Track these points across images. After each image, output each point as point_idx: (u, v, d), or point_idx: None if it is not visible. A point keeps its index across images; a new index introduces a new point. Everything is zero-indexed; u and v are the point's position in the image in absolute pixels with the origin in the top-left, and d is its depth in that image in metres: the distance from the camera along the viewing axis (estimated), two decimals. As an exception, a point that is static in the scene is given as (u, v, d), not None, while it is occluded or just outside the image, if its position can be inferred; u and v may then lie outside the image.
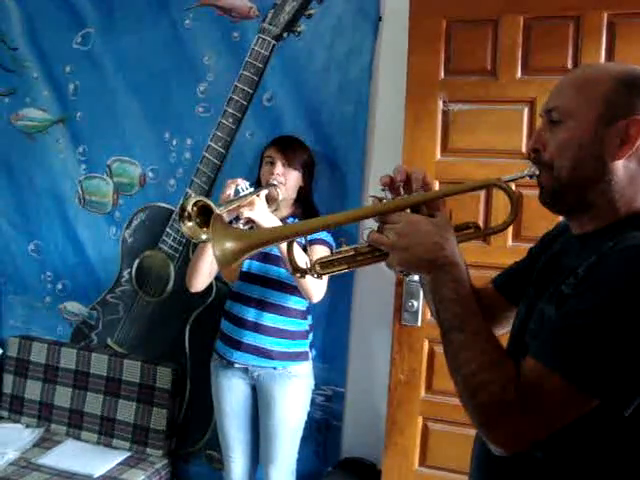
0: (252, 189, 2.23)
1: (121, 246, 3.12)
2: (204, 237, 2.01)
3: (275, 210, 2.36)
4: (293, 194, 2.48)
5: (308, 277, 1.31)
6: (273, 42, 2.76)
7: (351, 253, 1.26)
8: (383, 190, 1.24)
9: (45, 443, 2.98)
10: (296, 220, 2.47)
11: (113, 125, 3.07)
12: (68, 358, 3.10)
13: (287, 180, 2.42)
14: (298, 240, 1.47)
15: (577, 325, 0.99)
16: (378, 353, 2.68)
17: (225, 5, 2.85)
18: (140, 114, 3.02)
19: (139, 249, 3.09)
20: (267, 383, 2.47)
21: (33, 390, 3.13)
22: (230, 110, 2.83)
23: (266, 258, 2.38)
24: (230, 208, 2.14)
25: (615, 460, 1.05)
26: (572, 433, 1.03)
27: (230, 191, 2.20)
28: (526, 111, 2.28)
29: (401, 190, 1.23)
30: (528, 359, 1.03)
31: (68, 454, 2.89)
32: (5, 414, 3.18)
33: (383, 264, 1.20)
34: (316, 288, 2.29)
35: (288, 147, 2.46)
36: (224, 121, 2.85)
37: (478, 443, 1.25)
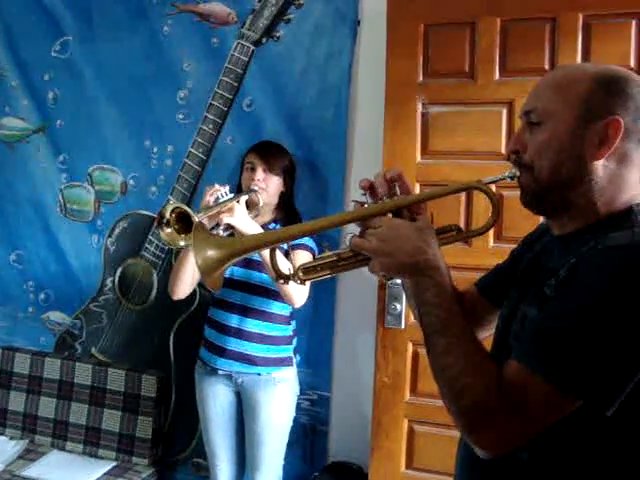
0: (232, 195, 2.22)
1: (103, 254, 3.10)
2: (182, 243, 2.01)
3: (256, 216, 2.35)
4: (274, 199, 2.47)
5: (291, 282, 1.30)
6: (252, 47, 2.76)
7: (334, 258, 1.26)
8: (364, 194, 1.23)
9: (30, 455, 2.94)
10: (278, 226, 2.47)
11: (93, 133, 3.06)
12: (52, 368, 3.07)
13: (268, 185, 2.42)
14: (280, 246, 1.47)
15: (558, 327, 0.99)
16: (362, 356, 2.68)
17: (204, 11, 2.84)
18: (120, 122, 3.01)
19: (121, 257, 3.07)
20: (251, 389, 2.46)
21: (17, 401, 3.10)
22: (210, 116, 2.83)
23: (248, 264, 2.38)
24: (209, 214, 2.13)
25: (599, 460, 1.05)
26: (556, 434, 1.03)
27: (210, 198, 2.20)
28: (505, 112, 2.30)
29: (382, 195, 1.22)
30: (511, 361, 1.03)
31: (53, 465, 2.86)
32: (-11, 426, 3.15)
33: (366, 268, 1.20)
34: (298, 293, 2.28)
35: (268, 152, 2.46)
36: (204, 127, 2.84)
37: (463, 445, 1.24)
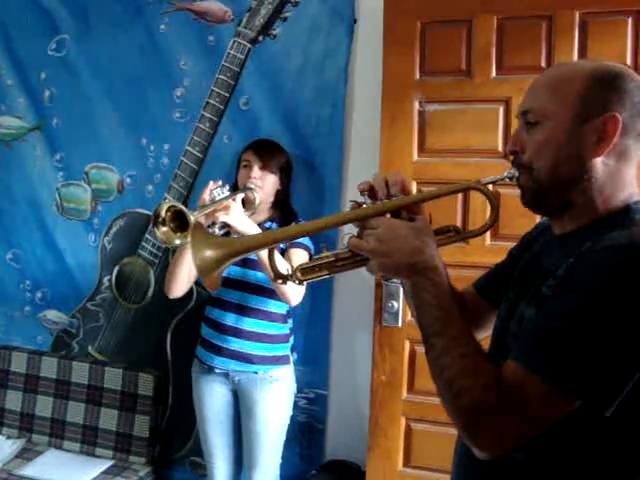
0: (228, 193, 2.22)
1: (100, 253, 3.09)
2: (178, 242, 2.01)
3: (252, 214, 2.35)
4: (270, 197, 2.47)
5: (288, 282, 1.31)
6: (249, 45, 2.76)
7: (332, 259, 1.26)
8: (362, 195, 1.23)
9: (27, 454, 2.94)
10: (274, 225, 2.47)
11: (90, 132, 3.05)
12: (49, 367, 3.06)
13: (264, 183, 2.41)
14: (278, 245, 1.46)
15: (556, 327, 0.99)
16: (360, 355, 2.68)
17: (200, 9, 2.84)
18: (117, 120, 3.00)
19: (118, 256, 3.06)
20: (248, 388, 2.46)
21: (14, 400, 3.09)
22: (207, 114, 2.83)
23: (245, 263, 2.37)
24: (205, 212, 2.13)
25: (596, 461, 1.05)
26: (553, 434, 1.03)
27: (206, 196, 2.19)
28: (501, 110, 2.30)
29: (381, 195, 1.22)
30: (509, 362, 1.03)
31: (50, 464, 2.85)
32: (-14, 426, 3.15)
33: (364, 268, 1.20)
34: (294, 292, 2.28)
35: (265, 150, 2.45)
36: (201, 125, 2.84)
37: (460, 446, 1.25)
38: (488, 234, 2.31)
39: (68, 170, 3.12)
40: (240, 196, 2.28)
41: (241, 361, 2.43)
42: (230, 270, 2.40)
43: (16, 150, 3.20)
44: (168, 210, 1.97)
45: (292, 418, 2.59)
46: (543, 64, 2.24)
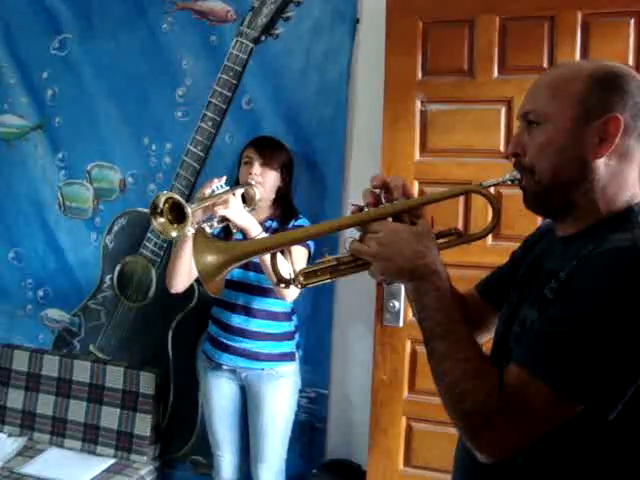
0: (228, 187, 2.21)
1: (102, 252, 3.10)
2: (175, 234, 2.01)
3: (252, 210, 2.33)
4: (271, 194, 2.47)
5: None
6: (251, 45, 2.76)
7: (334, 263, 1.26)
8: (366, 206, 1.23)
9: (28, 452, 2.94)
10: (275, 223, 2.47)
11: (92, 131, 3.05)
12: (50, 366, 3.06)
13: (265, 180, 2.41)
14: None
15: (559, 330, 0.99)
16: (361, 354, 2.68)
17: (203, 9, 2.84)
18: (119, 119, 3.01)
19: (120, 255, 3.07)
20: (255, 384, 2.48)
21: (15, 399, 3.09)
22: (209, 114, 2.83)
23: (245, 265, 2.36)
24: (203, 206, 2.12)
25: (598, 465, 1.05)
26: (554, 438, 1.03)
27: (207, 190, 2.19)
28: (503, 110, 2.30)
29: (382, 199, 1.22)
30: (511, 365, 1.03)
31: (52, 463, 2.85)
32: (-13, 424, 3.15)
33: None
34: (290, 289, 2.27)
35: (266, 147, 2.45)
36: (203, 125, 2.84)
37: (460, 449, 1.24)
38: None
39: (70, 169, 3.12)
40: (240, 191, 2.28)
41: (248, 359, 2.44)
42: (233, 273, 2.40)
43: (18, 149, 3.20)
44: (166, 201, 1.97)
45: (293, 417, 2.60)
46: (545, 64, 2.24)
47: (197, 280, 2.54)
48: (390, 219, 1.19)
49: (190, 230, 2.01)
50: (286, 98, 2.73)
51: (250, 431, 2.56)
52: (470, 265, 2.21)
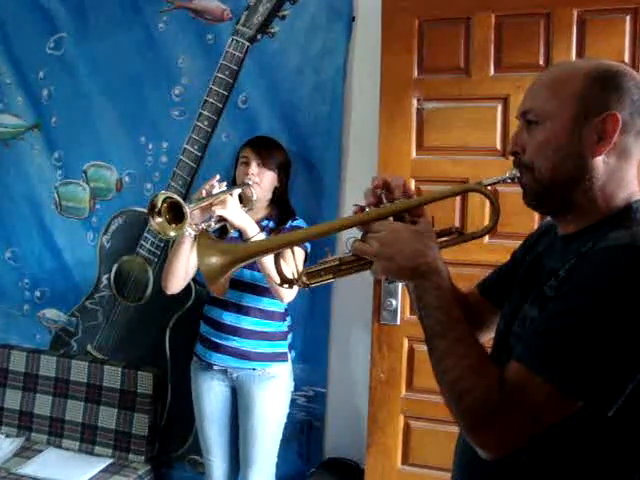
0: (225, 188, 2.22)
1: (99, 252, 3.09)
2: (172, 234, 2.01)
3: (249, 210, 2.34)
4: (268, 194, 2.47)
5: None
6: (247, 44, 2.76)
7: (336, 263, 1.27)
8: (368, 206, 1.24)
9: (26, 452, 2.94)
10: (271, 223, 2.47)
11: (88, 130, 3.05)
12: (48, 366, 3.07)
13: (262, 180, 2.41)
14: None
15: (558, 327, 1.00)
16: (358, 352, 2.68)
17: (198, 8, 2.84)
18: (115, 118, 3.00)
19: (117, 254, 3.06)
20: (246, 384, 2.46)
21: (12, 399, 3.10)
22: (205, 113, 2.83)
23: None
24: (201, 205, 2.13)
25: (599, 461, 1.05)
26: (556, 435, 1.03)
27: (204, 190, 2.19)
28: (500, 108, 2.29)
29: (383, 198, 1.23)
30: (512, 362, 1.04)
31: (49, 463, 2.86)
32: (-16, 424, 3.15)
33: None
34: (287, 290, 2.27)
35: (263, 147, 2.45)
36: (199, 124, 2.84)
37: (461, 446, 1.25)
38: (487, 231, 2.31)
39: (67, 169, 3.12)
40: (237, 191, 2.28)
41: (239, 358, 2.43)
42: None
43: (14, 149, 3.20)
44: (164, 201, 1.98)
45: (291, 416, 2.60)
46: (541, 62, 2.24)
47: (194, 279, 2.54)
48: (391, 218, 1.20)
49: (188, 230, 2.02)
50: (282, 96, 2.73)
51: (240, 433, 2.54)
52: (468, 263, 2.21)
